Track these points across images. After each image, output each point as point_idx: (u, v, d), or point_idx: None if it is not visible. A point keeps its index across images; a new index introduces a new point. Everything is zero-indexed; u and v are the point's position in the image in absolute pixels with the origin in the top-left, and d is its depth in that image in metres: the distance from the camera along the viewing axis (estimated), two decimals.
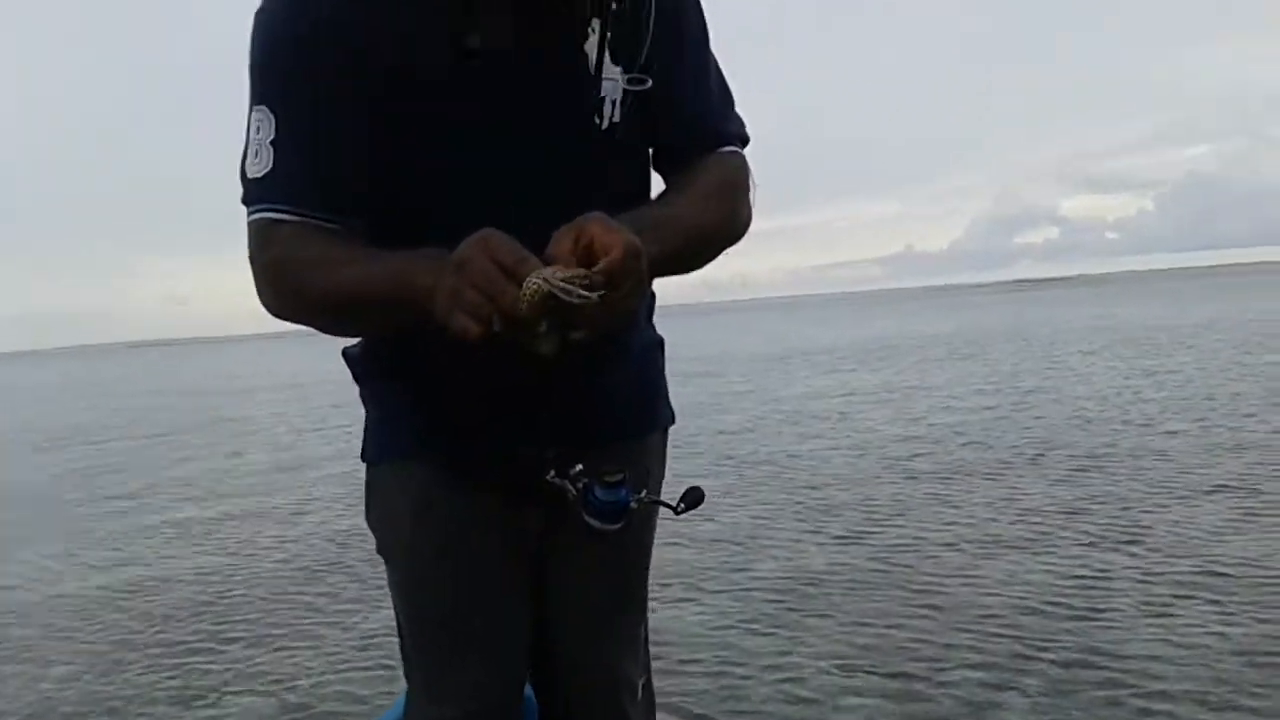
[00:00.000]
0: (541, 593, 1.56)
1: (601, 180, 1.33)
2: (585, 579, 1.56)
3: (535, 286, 1.03)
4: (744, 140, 1.47)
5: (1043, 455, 7.51)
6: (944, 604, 4.23)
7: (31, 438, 15.13)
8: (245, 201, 1.28)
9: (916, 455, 7.94)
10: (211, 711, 3.70)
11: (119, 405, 21.78)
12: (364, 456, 1.56)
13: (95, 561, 6.37)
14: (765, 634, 4.04)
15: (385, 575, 1.58)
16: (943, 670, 3.52)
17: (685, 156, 1.42)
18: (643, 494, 1.41)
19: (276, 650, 4.30)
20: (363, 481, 1.58)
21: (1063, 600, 4.15)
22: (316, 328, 1.32)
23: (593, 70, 1.29)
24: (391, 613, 1.61)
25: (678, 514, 1.44)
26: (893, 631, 3.95)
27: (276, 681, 3.93)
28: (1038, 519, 5.57)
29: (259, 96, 1.26)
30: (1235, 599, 4.00)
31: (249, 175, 1.26)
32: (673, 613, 4.37)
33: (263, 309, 1.33)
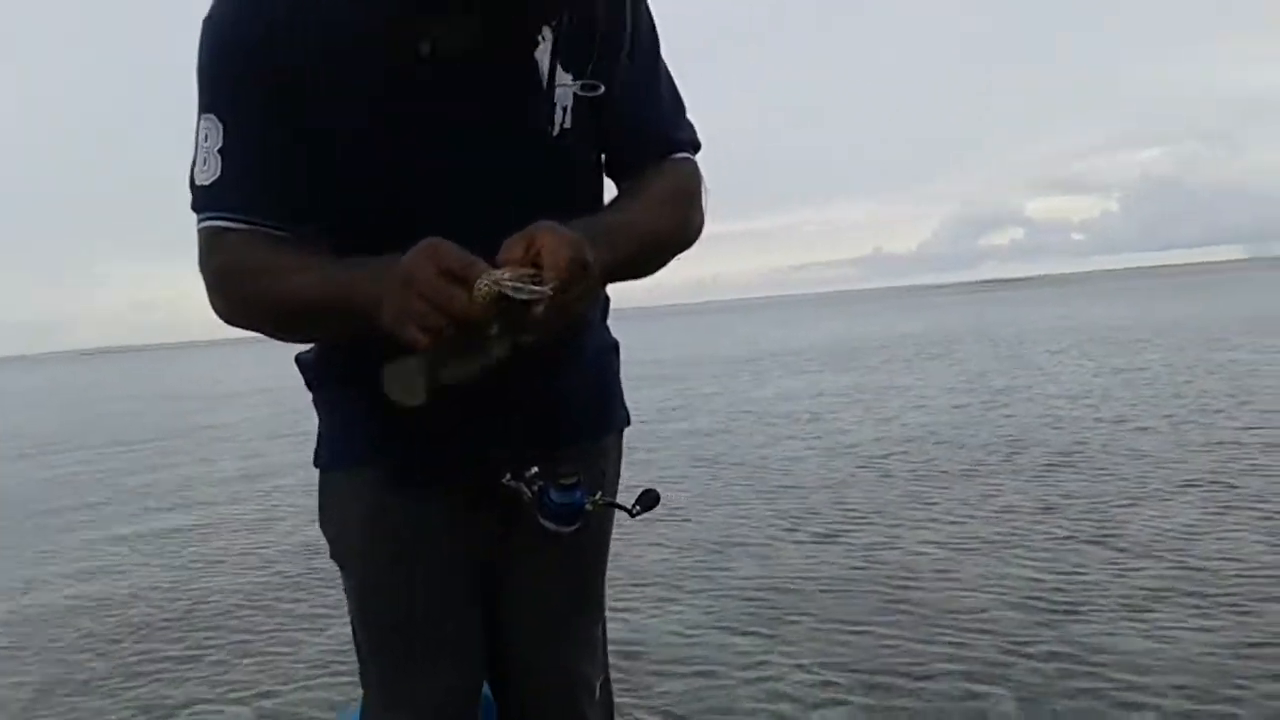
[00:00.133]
0: (498, 595, 1.56)
1: (553, 186, 1.34)
2: (541, 581, 1.56)
3: (486, 288, 1.04)
4: (695, 146, 1.48)
5: (1015, 454, 7.52)
6: (922, 604, 4.20)
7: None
8: (194, 209, 1.29)
9: (890, 455, 7.93)
10: None
11: (87, 413, 21.47)
12: (317, 463, 1.55)
13: (63, 572, 6.23)
14: (742, 637, 3.99)
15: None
16: (923, 671, 3.49)
17: (637, 163, 1.43)
18: (598, 496, 1.44)
19: (249, 660, 4.21)
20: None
21: (1040, 598, 4.13)
22: (267, 334, 1.33)
23: (544, 77, 1.30)
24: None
25: (633, 516, 1.48)
26: (871, 632, 3.91)
27: (250, 692, 3.84)
28: (1012, 517, 5.56)
29: (207, 104, 1.27)
30: (1212, 595, 4.00)
31: (197, 183, 1.28)
32: (648, 617, 4.32)
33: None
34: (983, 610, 4.05)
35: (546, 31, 1.28)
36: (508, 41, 1.25)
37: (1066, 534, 5.10)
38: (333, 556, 1.57)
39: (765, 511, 6.24)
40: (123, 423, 17.33)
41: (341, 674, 3.88)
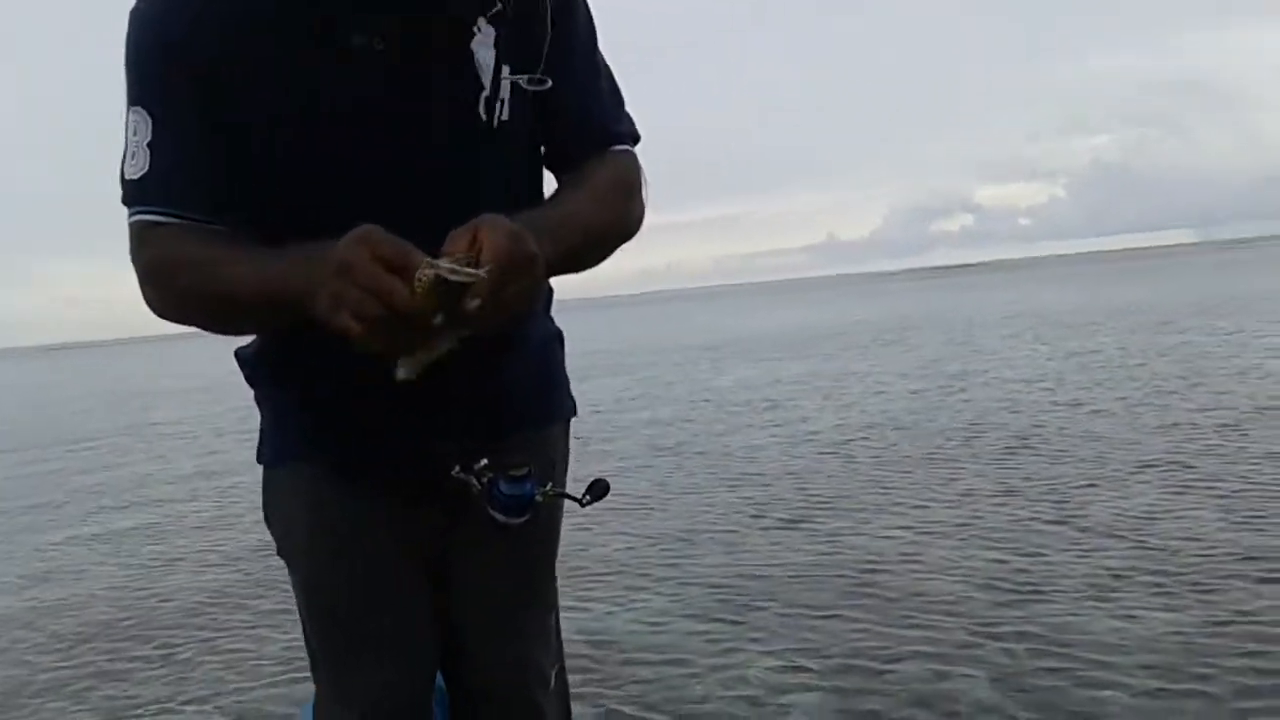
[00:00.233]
0: (447, 588, 1.56)
1: (493, 178, 1.34)
2: (490, 573, 1.56)
3: (424, 276, 1.02)
4: (635, 139, 1.48)
5: (974, 438, 7.56)
6: (888, 589, 4.20)
7: None
8: (124, 203, 1.28)
9: (850, 442, 7.94)
10: None
11: (31, 413, 21.04)
12: (260, 459, 1.55)
13: (22, 574, 6.10)
14: (710, 625, 3.97)
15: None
16: (891, 655, 3.48)
17: (577, 156, 1.42)
18: (548, 487, 1.44)
19: (213, 659, 4.14)
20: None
21: (1005, 580, 4.15)
22: (202, 328, 1.31)
23: (481, 70, 1.29)
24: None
25: (583, 506, 1.48)
26: (838, 618, 3.90)
27: (214, 691, 3.78)
28: (974, 501, 5.58)
29: (135, 97, 1.26)
30: (1174, 574, 4.03)
31: (127, 177, 1.27)
32: (615, 607, 4.28)
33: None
34: (948, 594, 4.05)
35: (483, 23, 1.28)
36: (440, 33, 1.26)
37: (1028, 516, 5.13)
38: (279, 553, 1.58)
39: (729, 500, 6.22)
40: (69, 422, 16.97)
41: (306, 670, 3.80)
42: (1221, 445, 6.39)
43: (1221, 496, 5.17)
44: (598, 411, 11.11)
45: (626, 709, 3.29)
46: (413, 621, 1.53)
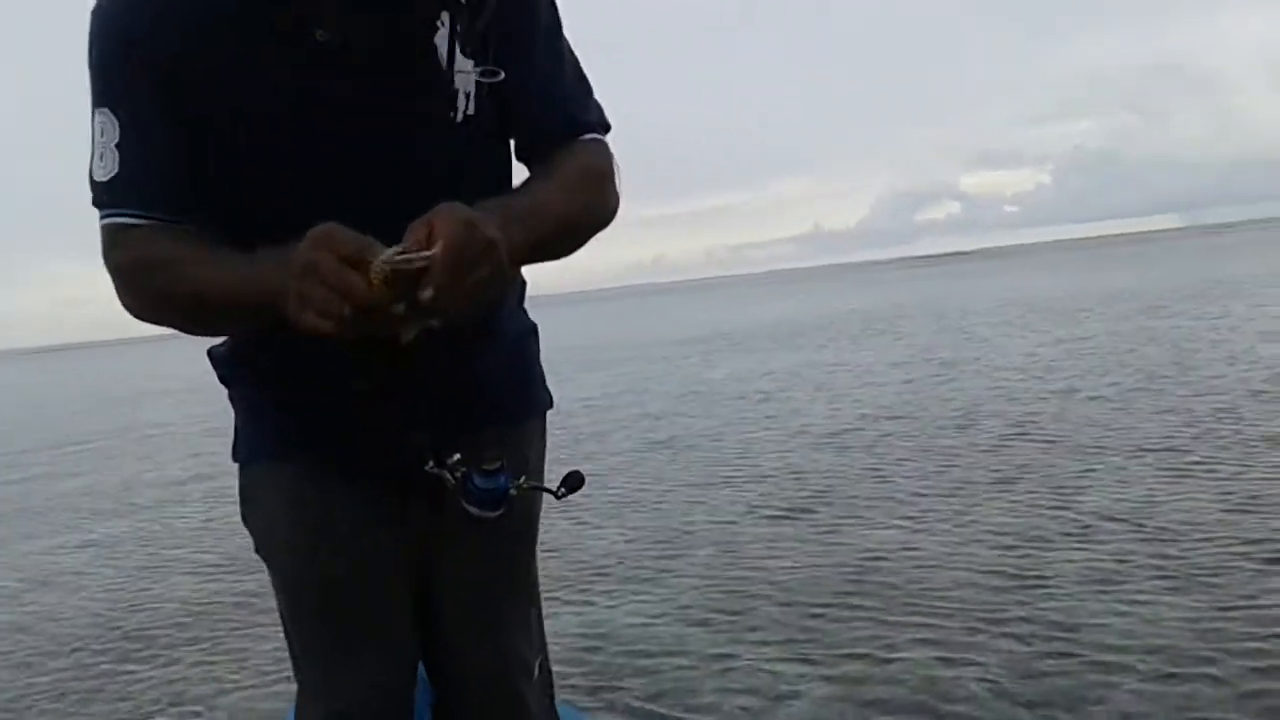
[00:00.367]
0: (427, 582, 1.56)
1: (461, 172, 1.33)
2: (467, 567, 1.56)
3: (379, 267, 1.04)
4: (605, 127, 1.47)
5: (968, 427, 7.52)
6: (886, 582, 4.14)
7: None
8: (94, 205, 1.28)
9: (844, 433, 7.89)
10: None
11: (18, 416, 20.88)
12: (236, 457, 1.56)
13: (5, 582, 6.01)
14: (705, 622, 3.91)
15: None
16: (891, 651, 3.42)
17: (547, 146, 1.42)
18: (522, 480, 1.45)
19: (201, 667, 4.07)
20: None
21: (1005, 571, 4.10)
22: (177, 329, 1.32)
23: (443, 63, 1.29)
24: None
25: (559, 498, 1.49)
26: (836, 613, 3.84)
27: (201, 699, 3.72)
28: (970, 491, 5.54)
29: (100, 98, 1.25)
30: (1176, 561, 3.99)
31: (96, 179, 1.26)
32: (609, 606, 4.23)
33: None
34: (948, 584, 4.01)
35: (445, 17, 1.28)
36: (404, 27, 1.26)
37: (1026, 505, 5.09)
38: (256, 551, 1.57)
39: (724, 493, 6.17)
40: (56, 425, 16.86)
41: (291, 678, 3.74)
42: (1217, 430, 6.36)
43: (1219, 481, 5.14)
44: (588, 406, 11.05)
45: (625, 706, 3.23)
46: (394, 617, 1.54)
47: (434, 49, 1.29)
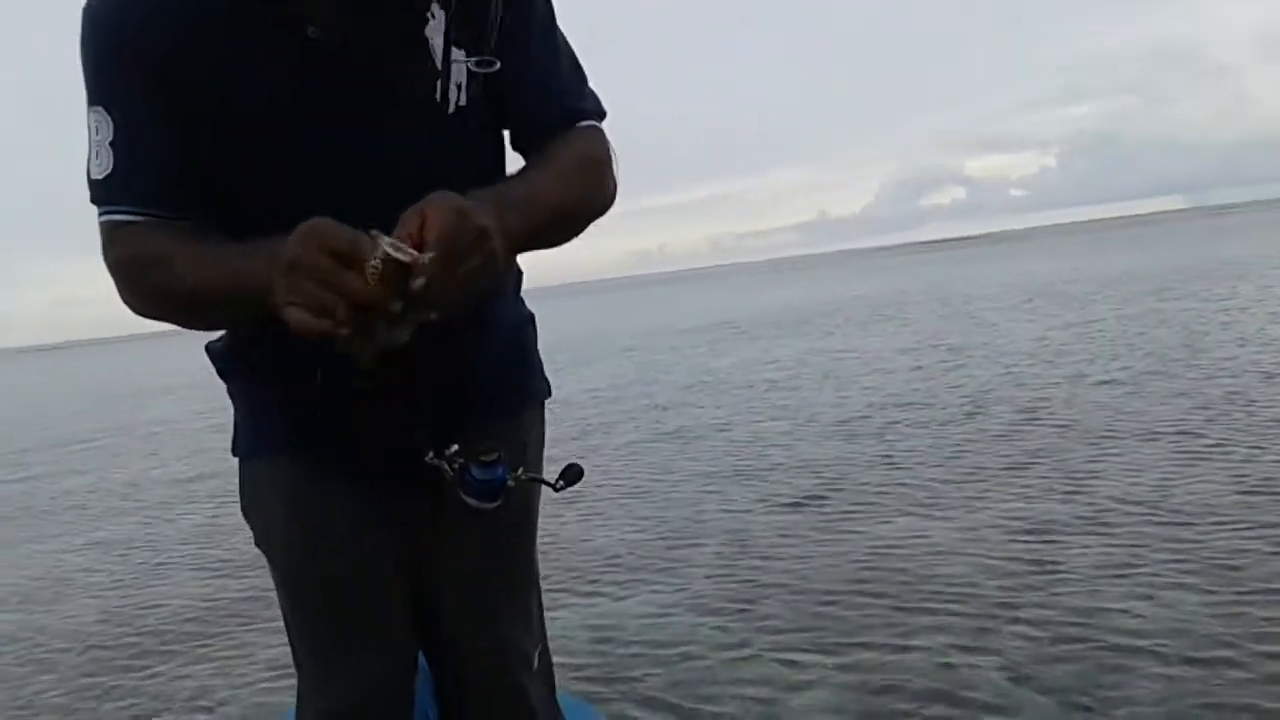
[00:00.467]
0: (426, 575, 1.57)
1: (456, 164, 1.32)
2: (467, 558, 1.56)
3: (375, 264, 1.02)
4: (600, 115, 1.47)
5: (977, 413, 7.47)
6: (897, 573, 4.09)
7: None
8: (92, 202, 1.29)
9: (852, 420, 7.85)
10: None
11: (21, 414, 20.90)
12: (235, 452, 1.57)
13: (4, 584, 5.98)
14: (716, 614, 3.87)
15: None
16: (903, 644, 3.37)
17: (542, 135, 1.41)
18: (519, 471, 1.46)
19: (206, 665, 4.05)
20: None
21: (1018, 561, 4.05)
22: (176, 324, 1.32)
23: (436, 55, 1.29)
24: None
25: (557, 490, 1.50)
26: (847, 606, 3.79)
27: (207, 698, 3.69)
28: (981, 478, 5.49)
29: (94, 97, 1.26)
30: (1191, 548, 3.94)
31: (92, 177, 1.27)
32: (619, 598, 4.19)
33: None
34: (960, 575, 3.96)
35: (435, 9, 1.28)
36: (396, 20, 1.27)
37: (1038, 492, 5.04)
38: (256, 544, 1.59)
39: (733, 484, 6.12)
40: (60, 423, 16.86)
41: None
42: (1230, 413, 6.31)
43: (1234, 464, 5.09)
44: (595, 397, 11.02)
45: (637, 698, 3.20)
46: (392, 615, 1.55)
47: (425, 41, 1.29)
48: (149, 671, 4.07)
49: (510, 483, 1.43)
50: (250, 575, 5.21)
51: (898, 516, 4.92)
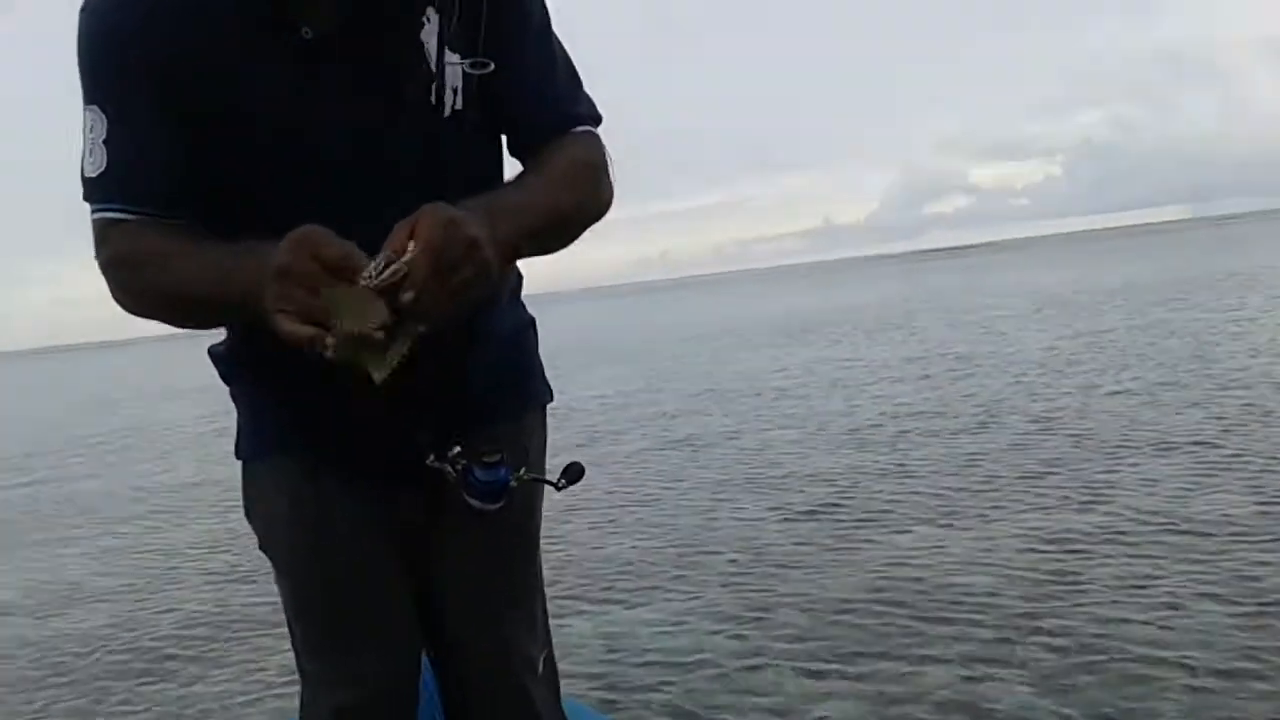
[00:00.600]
0: (428, 577, 1.58)
1: (450, 166, 1.34)
2: (470, 560, 1.57)
3: (368, 276, 1.03)
4: (596, 120, 1.47)
5: (990, 422, 7.44)
6: (914, 583, 4.06)
7: None
8: (85, 200, 1.30)
9: (863, 429, 7.82)
10: None
11: (26, 419, 20.91)
12: (239, 455, 1.58)
13: (15, 589, 5.95)
14: (728, 627, 3.83)
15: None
16: (920, 658, 3.33)
17: (538, 140, 1.41)
18: (521, 472, 1.46)
19: (220, 671, 4.02)
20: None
21: (1035, 572, 4.01)
22: (167, 324, 1.33)
23: (431, 58, 1.30)
24: None
25: (559, 489, 1.51)
26: (864, 617, 3.76)
27: (226, 705, 3.68)
28: (995, 488, 5.47)
29: (89, 96, 1.27)
30: (1212, 560, 3.90)
31: (86, 175, 1.28)
32: (632, 608, 4.17)
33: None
34: (977, 587, 3.92)
35: (431, 12, 1.29)
36: (390, 22, 1.27)
37: (1054, 503, 5.01)
38: (260, 547, 1.59)
39: (744, 493, 6.09)
40: (68, 427, 16.83)
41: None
42: (1246, 424, 6.28)
43: (1251, 476, 5.06)
44: (604, 404, 11.00)
45: (648, 711, 3.17)
46: (394, 612, 1.56)
47: (420, 44, 1.29)
48: (162, 679, 4.05)
49: (513, 483, 1.44)
50: (260, 580, 5.18)
51: (913, 526, 4.89)
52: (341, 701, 1.54)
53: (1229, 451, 5.61)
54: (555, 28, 1.46)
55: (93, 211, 1.29)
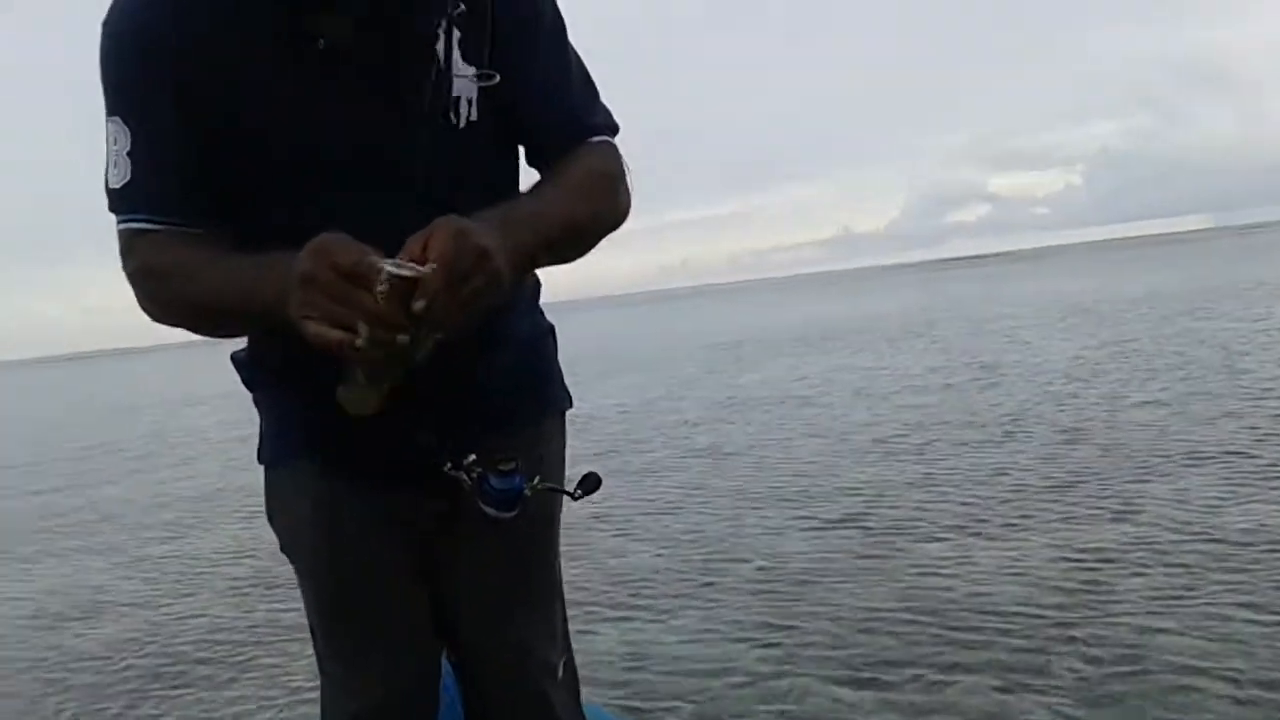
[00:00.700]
0: (445, 583, 1.60)
1: (466, 178, 1.36)
2: (488, 567, 1.58)
3: (384, 284, 1.05)
4: (613, 129, 1.48)
5: (1017, 432, 7.36)
6: (941, 596, 4.00)
7: None
8: (110, 211, 1.32)
9: (888, 438, 7.75)
10: None
11: (45, 425, 21.04)
12: (261, 459, 1.61)
13: (37, 595, 5.97)
14: (756, 636, 3.79)
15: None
16: (950, 671, 3.27)
17: (555, 150, 1.42)
18: (536, 480, 1.47)
19: (248, 676, 4.01)
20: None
21: (1067, 583, 3.95)
22: (193, 332, 1.36)
23: (443, 70, 1.31)
24: None
25: (575, 499, 1.53)
26: (892, 628, 3.70)
27: (251, 713, 3.66)
28: (1024, 497, 5.40)
29: (111, 108, 1.30)
30: (1249, 571, 3.84)
31: (110, 186, 1.30)
32: (656, 619, 4.12)
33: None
34: (1008, 598, 3.87)
35: (446, 23, 1.30)
36: (403, 34, 1.28)
37: (1085, 513, 4.94)
38: (282, 550, 1.62)
39: (768, 502, 6.03)
40: (90, 434, 16.95)
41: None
42: (1276, 434, 6.18)
43: None
44: (624, 412, 10.97)
45: None
46: (410, 616, 1.58)
47: (434, 55, 1.30)
48: (188, 686, 4.04)
49: (527, 492, 1.45)
50: (284, 586, 5.17)
51: (941, 537, 4.83)
52: (360, 704, 1.56)
53: (1265, 461, 5.53)
54: (571, 39, 1.47)
55: (119, 222, 1.32)
